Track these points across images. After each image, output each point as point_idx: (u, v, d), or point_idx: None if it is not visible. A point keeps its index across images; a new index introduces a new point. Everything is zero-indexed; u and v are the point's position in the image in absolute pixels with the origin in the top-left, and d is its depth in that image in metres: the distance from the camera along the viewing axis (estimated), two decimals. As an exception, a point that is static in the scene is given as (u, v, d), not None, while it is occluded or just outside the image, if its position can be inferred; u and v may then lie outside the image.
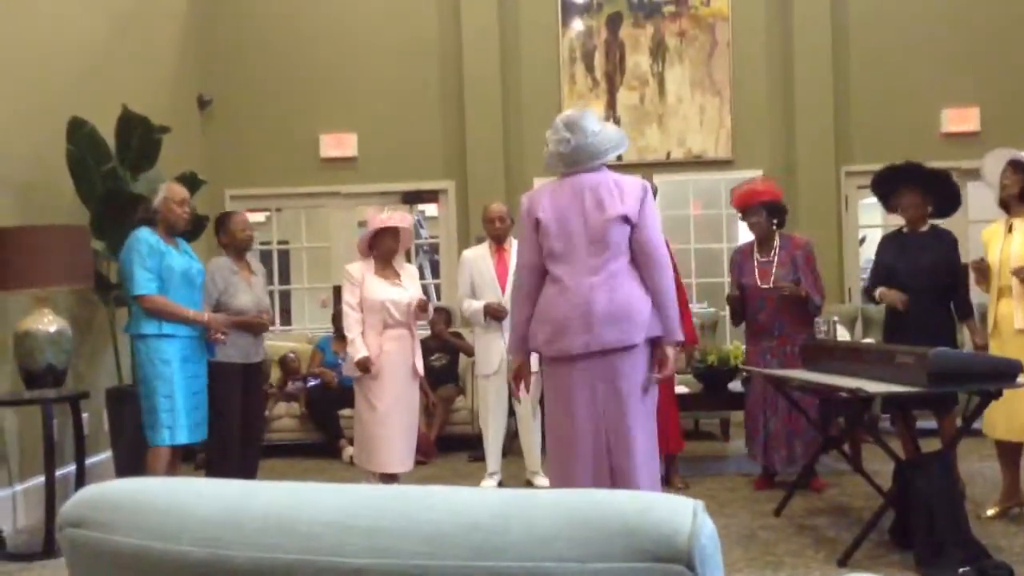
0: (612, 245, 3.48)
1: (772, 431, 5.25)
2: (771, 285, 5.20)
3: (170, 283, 4.55)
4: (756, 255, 5.36)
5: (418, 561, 0.92)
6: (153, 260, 4.50)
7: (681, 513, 0.90)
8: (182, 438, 4.56)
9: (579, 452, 3.50)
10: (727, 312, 7.75)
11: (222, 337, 4.73)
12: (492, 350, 5.49)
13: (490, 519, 0.93)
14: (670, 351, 3.58)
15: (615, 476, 3.48)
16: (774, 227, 5.34)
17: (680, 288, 5.57)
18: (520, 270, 3.70)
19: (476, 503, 0.96)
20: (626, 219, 3.49)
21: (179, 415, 4.52)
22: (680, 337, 3.64)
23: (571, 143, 3.54)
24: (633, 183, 3.59)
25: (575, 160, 3.57)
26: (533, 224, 3.57)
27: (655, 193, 3.78)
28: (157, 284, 4.51)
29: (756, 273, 5.30)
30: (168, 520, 1.02)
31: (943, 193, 5.04)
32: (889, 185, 5.17)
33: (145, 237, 4.53)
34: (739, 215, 5.58)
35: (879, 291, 5.03)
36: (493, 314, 5.41)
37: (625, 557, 0.88)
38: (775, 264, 5.27)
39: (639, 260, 3.53)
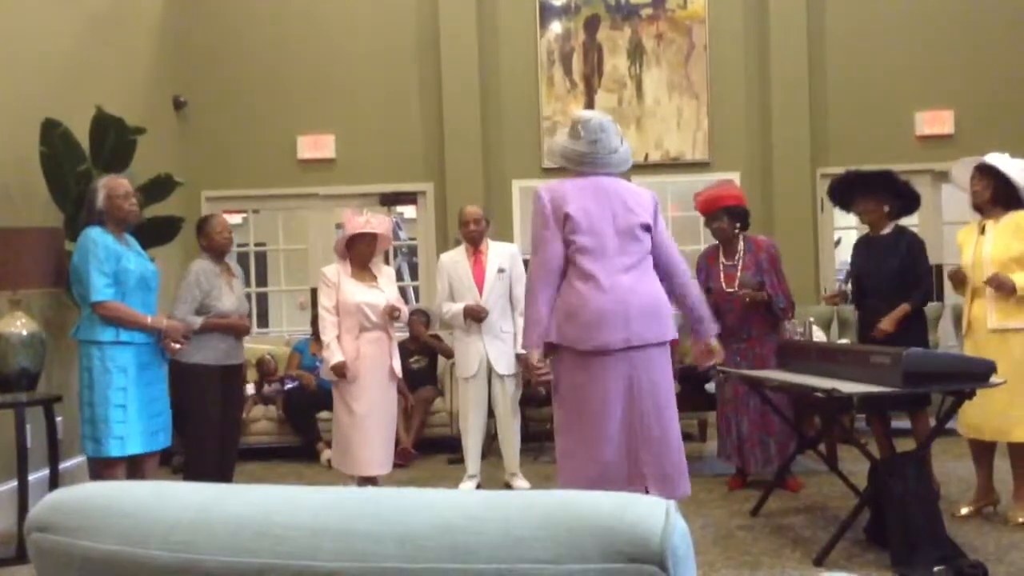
0: (641, 245, 3.61)
1: (744, 433, 5.28)
2: (736, 289, 5.23)
3: (127, 287, 4.32)
4: (721, 259, 5.39)
5: (392, 564, 0.91)
6: (110, 264, 4.25)
7: (654, 514, 0.90)
8: (134, 448, 4.30)
9: (612, 442, 3.52)
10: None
11: (176, 346, 4.50)
12: (471, 353, 5.49)
13: (464, 520, 0.92)
14: (713, 342, 3.86)
15: (651, 465, 3.54)
16: (737, 230, 5.36)
17: None
18: (546, 264, 3.59)
19: (450, 505, 0.95)
20: (647, 227, 3.64)
21: (132, 424, 4.28)
22: (716, 329, 3.92)
23: (601, 144, 3.63)
24: (647, 194, 3.74)
25: (601, 162, 3.65)
26: (561, 218, 3.58)
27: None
28: (114, 289, 4.28)
29: (722, 277, 5.32)
30: (137, 524, 1.01)
31: (896, 192, 5.10)
32: (844, 195, 5.24)
33: (100, 238, 4.26)
34: (702, 220, 5.60)
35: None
36: (473, 315, 5.40)
37: (599, 558, 0.88)
38: (740, 267, 5.30)
39: (661, 265, 3.70)
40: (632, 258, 3.58)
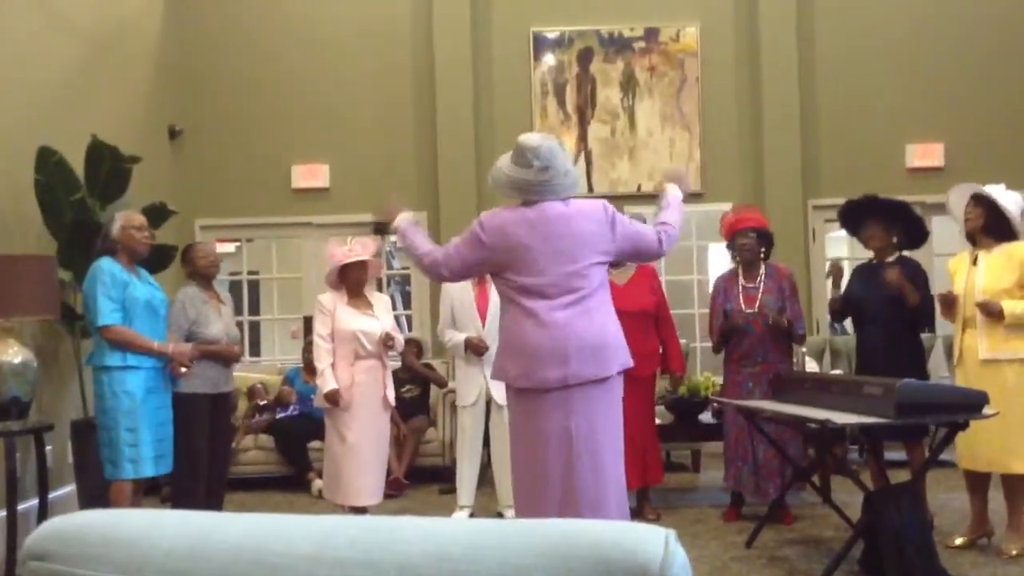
0: (587, 279, 3.46)
1: (763, 459, 5.20)
2: (756, 310, 5.22)
3: (134, 313, 4.46)
4: (741, 281, 5.39)
5: (389, 593, 0.91)
6: (117, 290, 4.42)
7: (653, 542, 0.90)
8: (146, 471, 4.46)
9: (548, 483, 3.46)
10: (698, 343, 7.81)
11: (183, 370, 4.63)
12: (471, 382, 5.47)
13: (461, 550, 0.92)
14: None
15: (585, 507, 3.43)
16: (762, 254, 5.38)
17: (668, 317, 5.60)
18: (435, 263, 3.65)
19: (447, 534, 0.95)
20: (603, 253, 3.51)
21: (143, 448, 4.41)
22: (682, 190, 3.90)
23: (554, 171, 3.47)
24: (594, 207, 3.55)
25: (553, 189, 3.49)
26: (487, 252, 3.51)
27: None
28: (121, 314, 4.42)
29: (741, 298, 5.32)
30: (134, 552, 1.00)
31: (907, 223, 5.13)
32: (854, 218, 5.26)
33: (108, 267, 4.45)
34: (726, 242, 5.59)
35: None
36: (474, 350, 5.39)
37: (598, 587, 0.87)
38: (761, 291, 5.30)
39: (633, 254, 3.71)
40: (576, 294, 3.44)
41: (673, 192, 3.86)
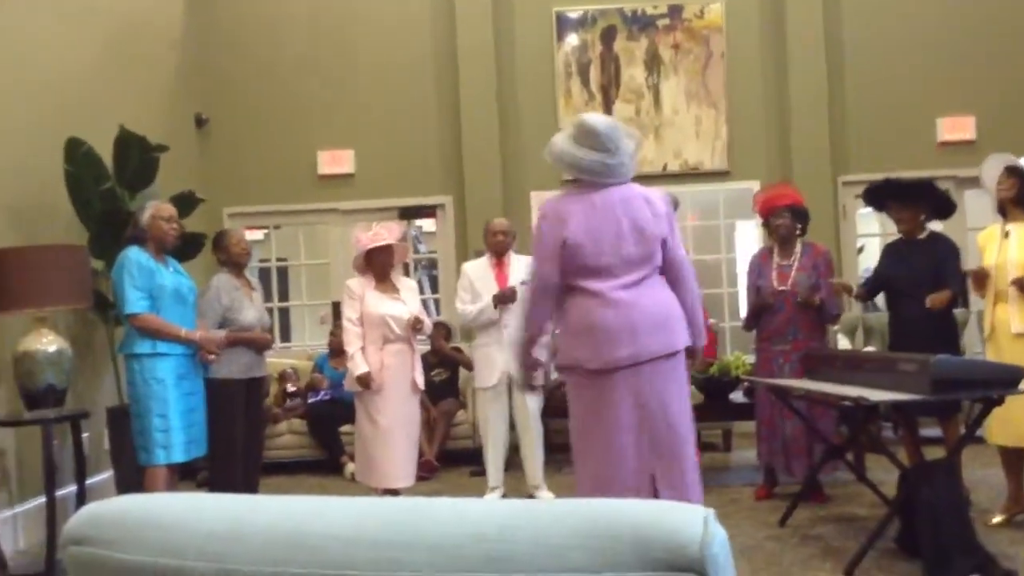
0: (649, 261, 3.48)
1: (790, 436, 5.17)
2: (788, 287, 5.18)
3: (161, 301, 4.51)
4: (776, 258, 5.34)
5: (426, 573, 0.91)
6: (144, 278, 4.46)
7: (692, 522, 0.89)
8: (178, 456, 4.50)
9: (622, 467, 3.44)
10: (727, 322, 7.76)
11: (212, 357, 4.68)
12: (491, 363, 5.48)
13: (497, 529, 0.92)
14: (697, 351, 3.70)
15: (664, 485, 3.43)
16: (797, 231, 5.33)
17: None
18: (538, 287, 3.57)
19: (483, 514, 0.95)
20: (660, 238, 3.50)
21: (174, 434, 4.46)
22: (704, 341, 3.74)
23: (622, 153, 3.46)
24: (661, 199, 3.57)
25: (616, 175, 3.49)
26: (559, 243, 3.46)
27: (676, 206, 3.76)
28: (148, 303, 4.47)
29: (775, 275, 5.27)
30: (173, 536, 1.01)
31: (932, 200, 5.06)
32: (878, 200, 5.21)
33: (135, 256, 4.49)
34: (762, 220, 5.54)
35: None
36: (503, 299, 5.37)
37: (636, 566, 0.87)
38: (795, 268, 5.25)
39: (669, 276, 3.57)
40: (638, 274, 3.46)
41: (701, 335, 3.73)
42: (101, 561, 1.04)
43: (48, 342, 4.56)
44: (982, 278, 4.54)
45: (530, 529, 0.92)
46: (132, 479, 4.95)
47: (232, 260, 5.16)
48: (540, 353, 3.80)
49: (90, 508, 1.10)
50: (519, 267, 5.55)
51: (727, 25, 7.76)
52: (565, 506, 0.96)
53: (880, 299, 5.71)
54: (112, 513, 1.07)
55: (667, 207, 3.57)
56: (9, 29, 5.21)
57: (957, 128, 7.68)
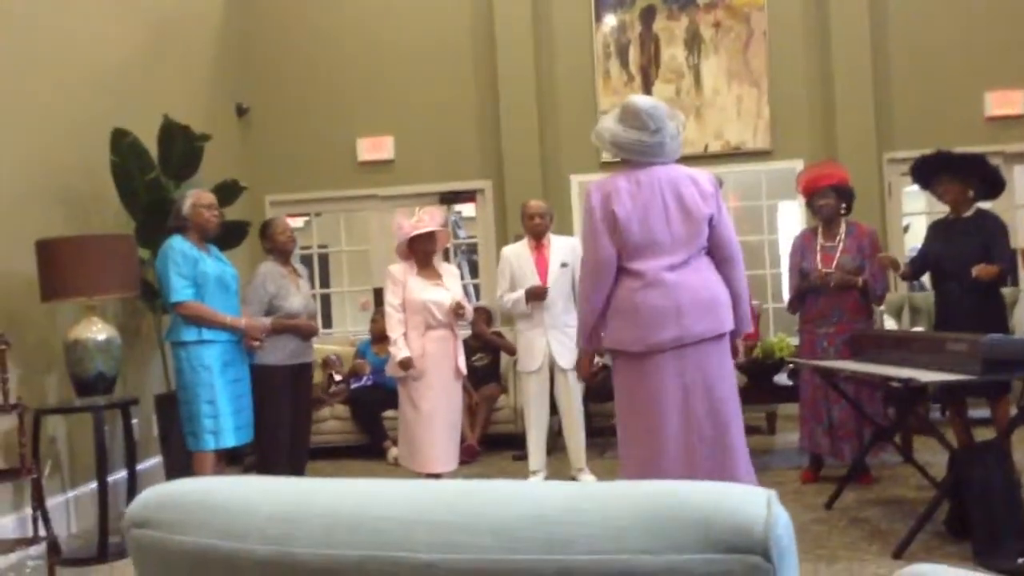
0: (695, 240, 3.47)
1: (838, 420, 5.10)
2: (832, 269, 5.11)
3: (205, 289, 4.56)
4: (820, 239, 5.26)
5: (488, 555, 0.91)
6: (188, 266, 4.52)
7: (755, 503, 0.88)
8: (227, 442, 4.58)
9: (669, 444, 3.43)
10: (770, 304, 7.69)
11: (257, 344, 4.75)
12: (534, 347, 5.48)
13: (559, 512, 0.91)
14: (739, 343, 3.69)
15: (709, 468, 3.40)
16: (842, 212, 5.25)
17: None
18: (596, 264, 3.54)
19: (544, 496, 0.94)
20: (707, 218, 3.48)
21: (223, 420, 4.53)
22: (749, 329, 3.70)
23: (664, 133, 3.47)
24: (707, 179, 3.56)
25: (658, 153, 3.49)
26: (610, 218, 3.47)
27: (720, 186, 3.74)
28: (193, 290, 4.53)
29: (819, 257, 5.20)
30: (233, 519, 1.02)
31: (982, 176, 4.94)
32: (927, 174, 5.09)
33: (178, 244, 4.55)
34: (805, 201, 5.47)
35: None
36: (535, 296, 5.38)
37: (700, 548, 0.86)
38: (840, 250, 5.16)
39: (717, 256, 3.56)
40: (684, 254, 3.45)
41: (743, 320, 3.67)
42: (163, 544, 1.05)
43: (98, 330, 4.64)
44: (1032, 256, 4.45)
45: (592, 511, 0.92)
46: (181, 464, 5.03)
47: (278, 248, 5.22)
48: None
49: (152, 491, 1.12)
50: (559, 249, 5.54)
51: (769, 2, 7.64)
52: (627, 488, 0.95)
53: (926, 278, 5.61)
54: (173, 496, 1.08)
55: (714, 187, 3.55)
56: (52, 25, 5.29)
57: (1006, 102, 7.50)
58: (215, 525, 1.02)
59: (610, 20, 7.79)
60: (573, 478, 5.61)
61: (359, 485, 1.04)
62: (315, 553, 0.96)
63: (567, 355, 5.45)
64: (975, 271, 4.60)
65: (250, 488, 1.07)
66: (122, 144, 5.43)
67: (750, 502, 0.88)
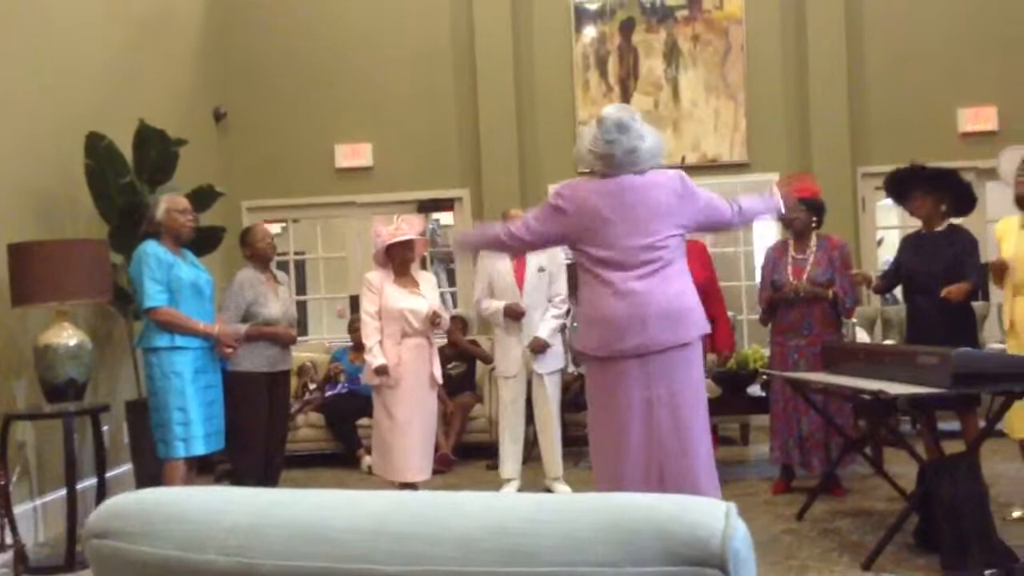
0: (664, 249, 3.49)
1: (807, 432, 5.15)
2: (804, 281, 5.16)
3: (180, 294, 4.53)
4: (791, 252, 5.31)
5: (450, 567, 0.91)
6: (162, 272, 4.48)
7: (714, 516, 0.89)
8: (197, 449, 4.54)
9: (631, 457, 3.46)
10: (745, 315, 7.73)
11: (229, 351, 4.71)
12: (512, 353, 5.49)
13: (521, 523, 0.92)
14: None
15: (672, 478, 3.42)
16: (813, 225, 5.30)
17: (717, 294, 5.60)
18: (512, 236, 3.68)
19: (506, 508, 0.95)
20: (677, 226, 3.52)
21: (193, 427, 4.49)
22: (778, 204, 3.86)
23: (618, 145, 3.49)
24: (669, 178, 3.57)
25: (619, 163, 3.52)
26: (565, 220, 3.54)
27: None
28: (167, 296, 4.49)
29: (790, 270, 5.25)
30: (194, 530, 1.02)
31: (954, 191, 5.01)
32: (900, 188, 5.15)
33: (152, 249, 4.51)
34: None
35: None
36: (512, 315, 5.40)
37: (659, 561, 0.87)
38: (810, 262, 5.22)
39: (718, 228, 3.79)
40: (654, 264, 3.48)
41: (772, 197, 3.87)
42: (123, 554, 1.04)
43: (68, 336, 4.59)
44: (1001, 270, 4.50)
45: (555, 523, 0.92)
46: (151, 472, 4.99)
47: (258, 255, 5.20)
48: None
49: (112, 501, 1.11)
50: (536, 254, 5.55)
51: (746, 16, 7.71)
52: (589, 500, 0.96)
53: (899, 291, 5.66)
54: (134, 506, 1.08)
55: (681, 183, 3.56)
56: (30, 25, 5.24)
57: (979, 119, 7.61)
58: (176, 536, 1.01)
59: (590, 31, 7.83)
60: (548, 488, 5.61)
61: (322, 496, 1.04)
62: (276, 565, 0.96)
63: (544, 360, 5.46)
64: (944, 292, 4.66)
65: (212, 499, 1.06)
66: (97, 148, 5.39)
67: (708, 515, 0.89)
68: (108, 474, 4.95)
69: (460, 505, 0.97)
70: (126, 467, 5.71)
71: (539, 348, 5.41)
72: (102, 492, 4.75)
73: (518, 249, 3.97)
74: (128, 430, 5.60)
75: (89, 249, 4.71)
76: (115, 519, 1.07)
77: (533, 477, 5.76)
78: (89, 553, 1.11)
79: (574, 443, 6.42)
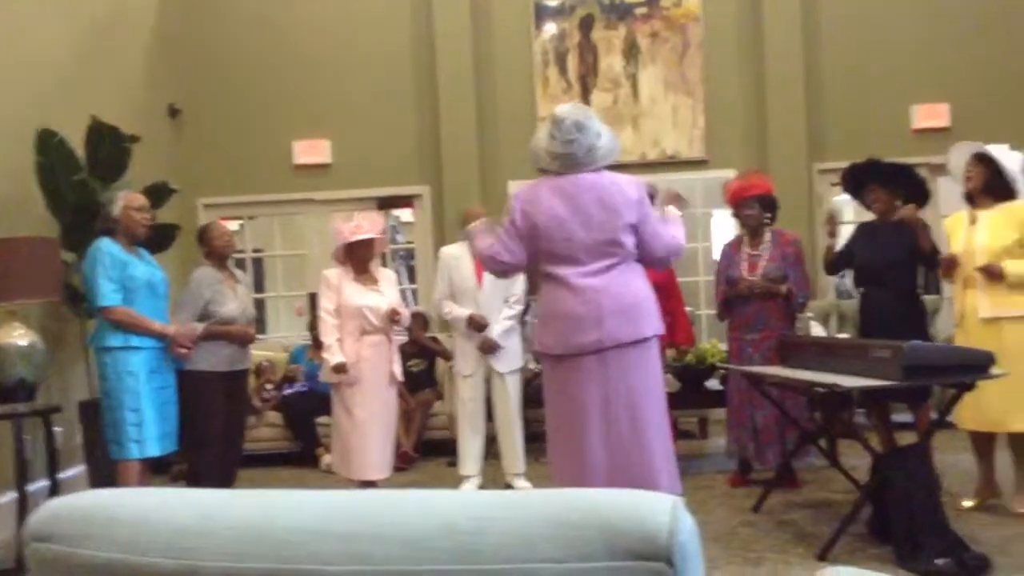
0: (618, 246, 3.51)
1: (761, 426, 5.22)
2: (759, 277, 5.22)
3: (134, 293, 4.46)
4: (746, 248, 5.37)
5: (396, 566, 0.90)
6: (116, 270, 4.41)
7: (660, 511, 0.89)
8: (151, 451, 4.47)
9: (588, 453, 3.47)
10: (703, 310, 7.80)
11: (184, 351, 4.64)
12: (470, 351, 5.48)
13: (467, 521, 0.92)
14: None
15: (631, 475, 3.43)
16: (766, 221, 5.35)
17: (676, 289, 5.64)
18: (491, 264, 3.70)
19: (453, 505, 0.94)
20: (630, 226, 3.52)
21: (147, 428, 4.42)
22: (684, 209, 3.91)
23: (577, 144, 3.50)
24: (629, 183, 3.59)
25: (579, 162, 3.53)
26: (529, 227, 3.54)
27: (653, 198, 3.81)
28: (121, 295, 4.42)
29: (745, 265, 5.30)
30: (138, 532, 1.00)
31: (909, 185, 5.10)
32: (857, 182, 5.24)
33: (107, 247, 4.44)
34: (731, 211, 5.57)
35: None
36: (475, 326, 5.41)
37: (605, 556, 0.87)
38: (764, 258, 5.28)
39: (647, 260, 3.61)
40: (607, 260, 3.49)
41: (672, 212, 3.86)
42: (65, 558, 1.02)
43: (19, 335, 4.51)
44: (951, 264, 4.59)
45: (501, 520, 0.92)
46: (106, 473, 4.91)
47: (216, 252, 5.12)
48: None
49: (54, 504, 1.08)
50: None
51: (704, 14, 7.77)
52: (536, 497, 0.96)
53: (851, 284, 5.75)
54: (77, 509, 1.06)
55: (639, 193, 3.58)
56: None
57: (932, 115, 7.74)
58: (120, 538, 1.00)
59: (550, 28, 7.84)
60: (508, 485, 5.61)
61: (271, 496, 1.03)
62: (222, 566, 0.95)
63: (503, 359, 5.46)
64: (900, 212, 4.78)
65: (157, 500, 1.05)
66: (48, 144, 5.30)
67: (655, 510, 0.89)
68: (62, 476, 4.87)
69: (408, 504, 0.96)
70: (79, 469, 5.62)
71: (489, 349, 5.41)
72: (54, 494, 4.66)
73: (511, 274, 4.01)
74: (82, 431, 5.51)
75: (38, 247, 4.62)
76: (56, 522, 1.05)
77: (494, 474, 5.77)
78: (31, 557, 1.09)
79: (536, 439, 6.42)
